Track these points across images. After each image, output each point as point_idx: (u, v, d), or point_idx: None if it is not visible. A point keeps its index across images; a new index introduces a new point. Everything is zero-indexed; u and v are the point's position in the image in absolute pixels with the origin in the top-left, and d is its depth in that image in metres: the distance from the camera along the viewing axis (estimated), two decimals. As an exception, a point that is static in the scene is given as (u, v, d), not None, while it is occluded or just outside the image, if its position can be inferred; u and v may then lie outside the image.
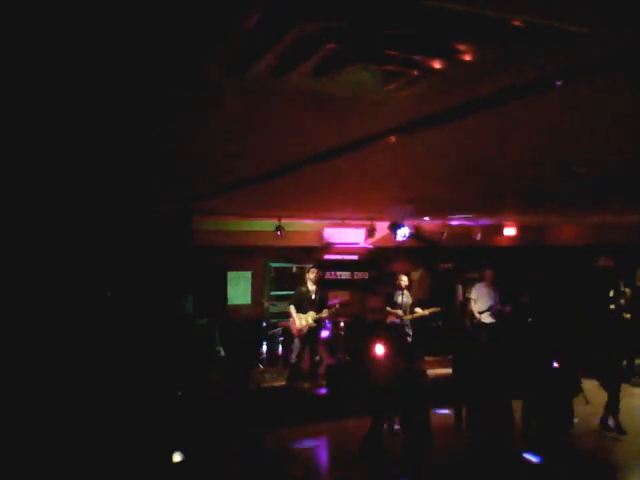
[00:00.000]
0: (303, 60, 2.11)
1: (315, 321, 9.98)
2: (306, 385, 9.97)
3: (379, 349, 7.89)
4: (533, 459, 7.19)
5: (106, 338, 7.88)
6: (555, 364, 7.64)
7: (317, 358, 10.68)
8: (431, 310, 10.84)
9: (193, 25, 1.90)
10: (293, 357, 10.01)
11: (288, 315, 10.25)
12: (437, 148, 4.01)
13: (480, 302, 11.27)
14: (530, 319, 9.89)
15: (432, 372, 10.51)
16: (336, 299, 11.43)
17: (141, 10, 1.79)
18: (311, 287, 10.11)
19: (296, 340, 9.99)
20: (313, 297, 10.08)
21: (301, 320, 9.90)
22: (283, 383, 9.99)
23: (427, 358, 12.00)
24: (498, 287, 11.28)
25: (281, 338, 11.41)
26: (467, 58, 2.13)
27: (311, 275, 10.12)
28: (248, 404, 9.13)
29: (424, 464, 6.90)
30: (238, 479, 6.90)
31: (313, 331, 10.03)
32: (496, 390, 7.22)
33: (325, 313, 10.11)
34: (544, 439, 7.08)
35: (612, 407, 8.11)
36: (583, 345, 8.83)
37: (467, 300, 12.30)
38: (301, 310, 9.96)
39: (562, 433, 6.98)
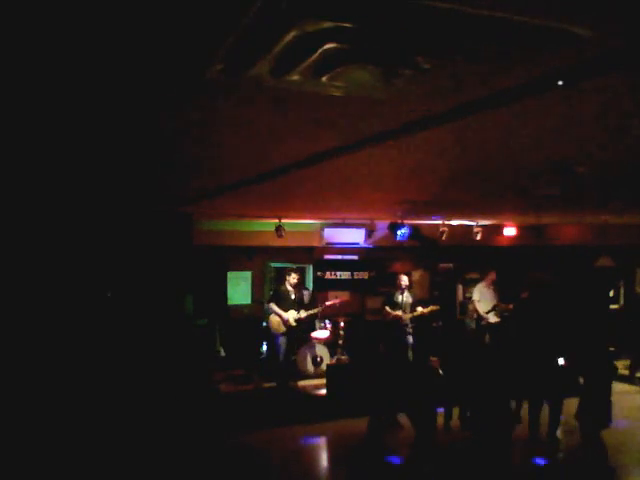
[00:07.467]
0: (302, 60, 2.11)
1: (296, 321, 9.93)
2: (299, 385, 9.92)
3: (378, 349, 7.90)
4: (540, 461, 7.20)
5: (106, 338, 7.88)
6: (562, 362, 7.61)
7: (318, 358, 10.66)
8: (431, 308, 10.84)
9: (192, 24, 1.90)
10: (280, 357, 9.96)
11: (269, 312, 10.16)
12: (437, 148, 4.01)
13: (484, 302, 11.28)
14: (532, 316, 9.88)
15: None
16: (336, 299, 11.43)
17: (140, 10, 1.79)
18: (290, 288, 10.10)
19: (280, 339, 9.91)
20: (293, 297, 10.06)
21: (283, 316, 9.85)
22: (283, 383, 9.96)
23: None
24: (498, 286, 11.29)
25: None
26: (467, 58, 2.13)
27: (291, 279, 10.11)
28: (247, 405, 9.15)
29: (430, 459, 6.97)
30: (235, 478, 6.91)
31: (294, 331, 9.95)
32: (503, 390, 7.20)
33: (303, 314, 10.03)
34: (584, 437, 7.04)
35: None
36: (585, 343, 8.83)
37: (468, 300, 12.30)
38: (282, 308, 9.92)
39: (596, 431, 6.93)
